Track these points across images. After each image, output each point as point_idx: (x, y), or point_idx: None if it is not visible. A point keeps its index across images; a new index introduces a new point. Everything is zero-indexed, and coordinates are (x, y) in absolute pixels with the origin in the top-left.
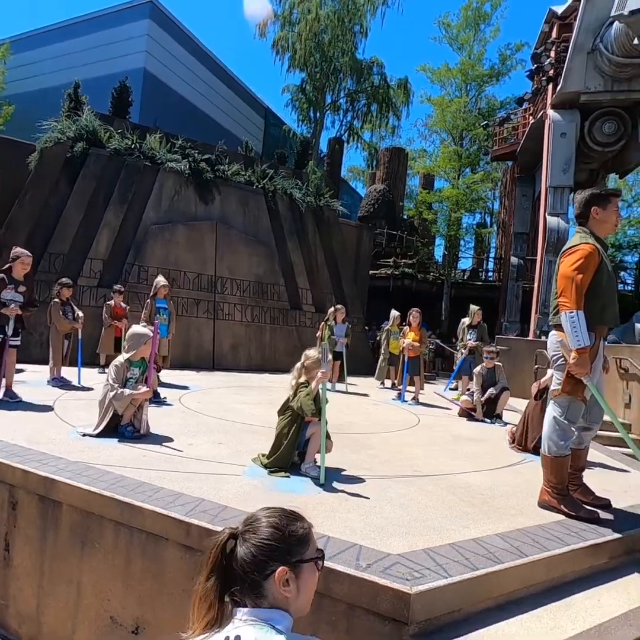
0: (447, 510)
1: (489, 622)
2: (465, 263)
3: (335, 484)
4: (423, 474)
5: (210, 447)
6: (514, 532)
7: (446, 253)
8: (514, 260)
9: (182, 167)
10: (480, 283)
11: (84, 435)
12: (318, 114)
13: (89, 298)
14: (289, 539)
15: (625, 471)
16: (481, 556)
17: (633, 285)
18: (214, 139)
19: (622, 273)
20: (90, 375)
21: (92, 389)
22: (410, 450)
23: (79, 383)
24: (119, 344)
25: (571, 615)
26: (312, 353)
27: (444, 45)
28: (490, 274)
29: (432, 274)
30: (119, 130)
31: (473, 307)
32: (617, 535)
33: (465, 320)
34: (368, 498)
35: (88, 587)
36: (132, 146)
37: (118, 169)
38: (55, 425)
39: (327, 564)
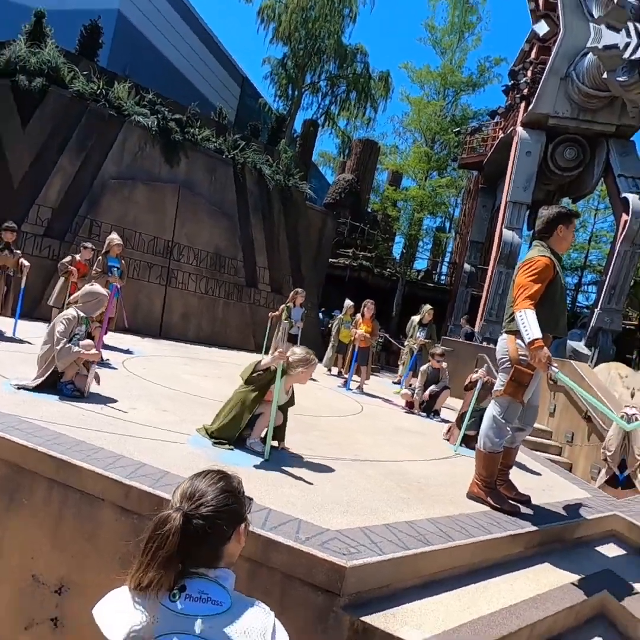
0: (384, 493)
1: (413, 598)
2: (421, 264)
3: (279, 461)
4: (364, 459)
5: (154, 413)
6: (444, 519)
7: (404, 251)
8: (467, 267)
9: (150, 123)
10: (432, 285)
11: (19, 388)
12: (296, 93)
13: (32, 247)
14: (239, 497)
15: (544, 473)
16: (413, 537)
17: (570, 305)
18: (186, 100)
19: None
20: (27, 327)
21: (29, 343)
22: (354, 436)
23: (14, 334)
24: None
25: (487, 597)
26: (299, 351)
27: (428, 46)
28: (443, 277)
29: (388, 270)
30: (85, 72)
31: (426, 306)
32: (533, 528)
33: (416, 318)
34: (310, 477)
35: (10, 542)
36: (98, 92)
37: (79, 114)
38: None
39: (267, 534)
